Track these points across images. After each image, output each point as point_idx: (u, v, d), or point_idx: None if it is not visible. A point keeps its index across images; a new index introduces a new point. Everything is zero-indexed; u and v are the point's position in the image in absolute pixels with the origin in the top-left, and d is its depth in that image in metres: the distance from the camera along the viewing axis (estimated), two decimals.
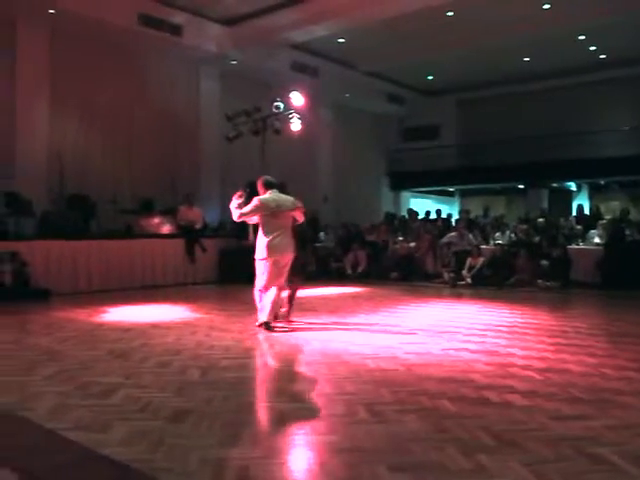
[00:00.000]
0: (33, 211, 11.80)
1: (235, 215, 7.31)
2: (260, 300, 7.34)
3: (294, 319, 7.78)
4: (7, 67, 12.87)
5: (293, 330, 7.21)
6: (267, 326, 7.08)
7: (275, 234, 7.13)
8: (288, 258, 7.24)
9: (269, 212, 7.16)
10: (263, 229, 7.23)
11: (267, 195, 7.26)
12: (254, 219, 7.40)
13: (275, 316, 7.36)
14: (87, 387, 4.53)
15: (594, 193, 21.50)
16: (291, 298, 7.88)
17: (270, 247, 7.10)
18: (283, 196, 7.36)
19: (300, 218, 7.37)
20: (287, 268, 7.26)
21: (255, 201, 7.20)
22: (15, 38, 12.93)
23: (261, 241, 7.20)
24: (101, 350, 5.95)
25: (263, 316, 7.17)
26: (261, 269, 7.26)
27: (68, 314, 8.55)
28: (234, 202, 7.31)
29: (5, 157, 12.65)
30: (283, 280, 7.30)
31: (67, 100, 13.89)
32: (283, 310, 7.72)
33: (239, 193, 7.36)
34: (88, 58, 14.12)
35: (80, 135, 14.18)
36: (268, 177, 7.53)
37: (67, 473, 3.03)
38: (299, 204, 7.32)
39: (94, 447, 3.27)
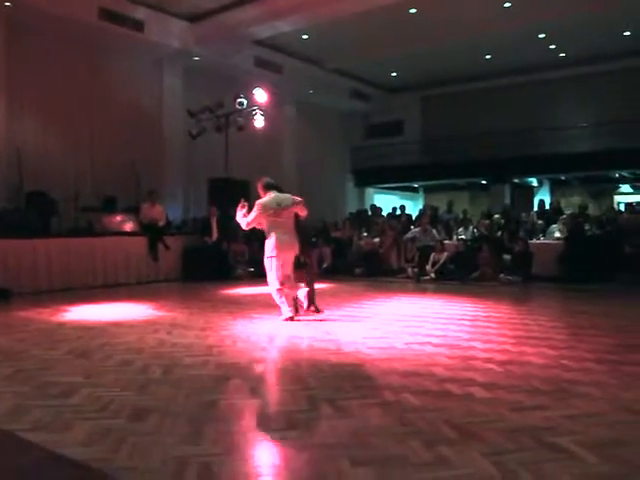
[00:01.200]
0: None
1: (243, 224, 7.70)
2: (280, 297, 7.64)
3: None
4: None
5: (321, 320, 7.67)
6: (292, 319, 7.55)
7: (280, 232, 7.47)
8: (292, 254, 7.62)
9: (272, 212, 7.44)
10: (269, 229, 7.55)
11: (266, 197, 7.58)
12: (263, 222, 7.61)
13: (296, 309, 7.78)
14: (47, 387, 4.45)
15: (555, 188, 21.91)
16: (309, 293, 8.09)
17: (279, 245, 7.45)
18: (282, 195, 7.66)
19: (302, 212, 7.65)
20: (288, 264, 7.60)
21: (256, 206, 7.53)
22: None
23: (269, 240, 7.53)
24: (61, 349, 5.85)
25: (287, 311, 7.60)
26: (269, 266, 7.58)
27: (28, 313, 8.40)
28: (239, 214, 7.68)
29: None
30: (290, 275, 7.66)
31: (25, 96, 13.64)
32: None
33: (241, 204, 7.69)
34: (47, 53, 13.87)
35: (39, 132, 13.93)
36: (267, 179, 7.81)
37: (27, 475, 2.97)
38: (297, 200, 7.61)
39: (54, 448, 3.22)
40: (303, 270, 8.00)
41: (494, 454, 3.06)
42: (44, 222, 12.05)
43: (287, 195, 7.68)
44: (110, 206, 13.72)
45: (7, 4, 12.39)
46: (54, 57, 14.02)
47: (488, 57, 18.35)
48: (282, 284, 7.58)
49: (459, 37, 16.20)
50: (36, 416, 3.75)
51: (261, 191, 7.68)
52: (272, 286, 7.64)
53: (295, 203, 7.54)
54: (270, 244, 7.50)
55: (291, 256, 7.62)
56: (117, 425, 3.57)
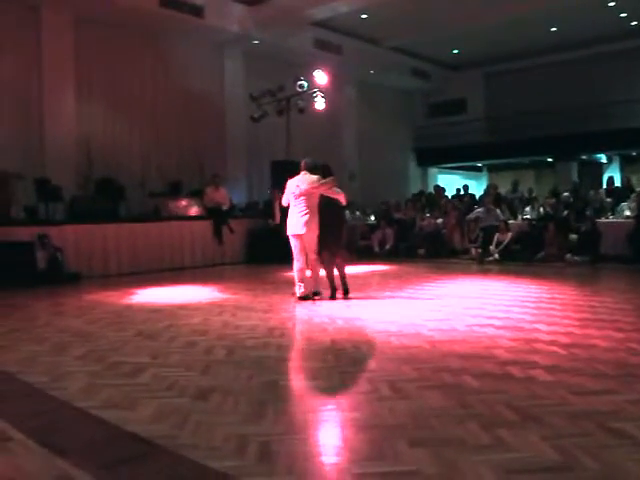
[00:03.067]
0: (62, 196, 12.00)
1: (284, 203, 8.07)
2: (299, 275, 7.92)
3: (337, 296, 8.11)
4: (33, 54, 13.01)
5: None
6: (303, 298, 7.78)
7: (293, 212, 7.76)
8: (300, 236, 7.75)
9: (290, 193, 7.80)
10: (288, 209, 7.92)
11: (294, 178, 7.87)
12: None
13: (315, 292, 7.99)
14: (116, 367, 4.64)
15: (626, 165, 21.09)
16: (340, 276, 8.12)
17: (288, 225, 7.83)
18: (306, 176, 7.73)
19: (335, 196, 7.72)
20: (307, 245, 7.77)
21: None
22: (39, 24, 13.04)
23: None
24: (130, 331, 6.07)
25: (299, 290, 7.86)
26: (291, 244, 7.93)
27: (98, 296, 8.73)
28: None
29: (34, 144, 12.85)
30: (306, 257, 7.83)
31: (93, 85, 14.02)
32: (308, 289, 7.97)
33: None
34: (112, 42, 14.20)
35: (107, 120, 14.31)
36: (305, 160, 8.02)
37: (97, 450, 3.12)
38: (314, 182, 7.66)
39: (123, 425, 3.37)
40: (327, 253, 7.96)
41: (555, 438, 3.03)
42: (113, 208, 12.45)
43: (313, 177, 7.73)
44: (175, 191, 14.03)
45: None
46: (118, 45, 14.35)
47: (554, 29, 17.72)
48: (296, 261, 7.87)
49: (523, 10, 15.66)
50: (107, 394, 3.94)
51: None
52: (295, 263, 7.91)
53: (312, 185, 7.65)
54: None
55: (298, 238, 7.77)
56: (182, 404, 3.71)
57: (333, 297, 8.00)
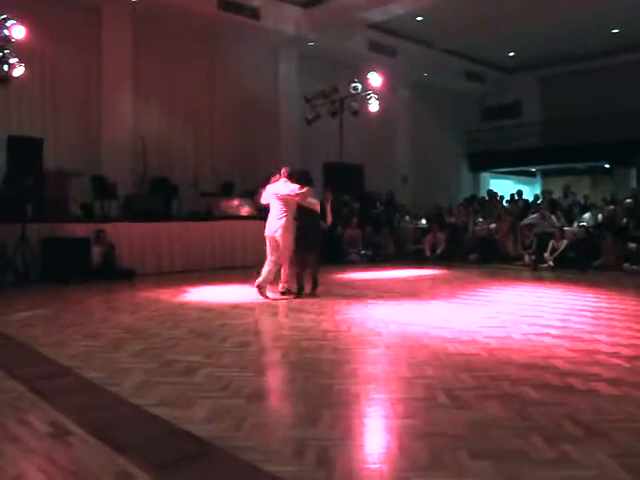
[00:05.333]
0: (117, 194, 12.22)
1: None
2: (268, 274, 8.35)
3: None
4: (93, 54, 13.34)
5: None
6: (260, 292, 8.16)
7: (272, 215, 8.30)
8: (274, 237, 8.22)
9: (272, 195, 8.33)
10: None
11: (274, 185, 8.45)
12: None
13: (288, 290, 8.49)
14: (171, 365, 4.67)
15: None
16: (313, 274, 8.73)
17: (267, 226, 8.32)
18: (287, 184, 8.32)
19: (292, 200, 8.24)
20: (282, 247, 8.20)
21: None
22: (100, 26, 13.38)
23: None
24: (183, 329, 6.11)
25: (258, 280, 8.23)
26: None
27: (151, 294, 8.84)
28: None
29: (91, 143, 13.14)
30: (278, 257, 8.27)
31: (150, 86, 14.28)
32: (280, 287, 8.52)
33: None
34: (169, 44, 14.44)
35: (162, 120, 14.55)
36: (287, 168, 8.61)
37: (153, 448, 3.13)
38: (294, 192, 8.21)
39: (178, 423, 3.37)
40: (300, 255, 8.50)
41: (623, 456, 2.90)
42: (166, 207, 12.61)
43: (292, 186, 8.25)
44: (228, 191, 14.14)
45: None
46: (176, 47, 14.57)
47: (615, 31, 17.24)
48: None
49: (582, 10, 15.27)
50: (161, 392, 3.95)
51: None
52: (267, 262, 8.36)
53: (289, 194, 8.22)
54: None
55: (273, 239, 8.23)
56: (237, 405, 3.69)
57: (299, 295, 8.45)
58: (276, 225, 8.19)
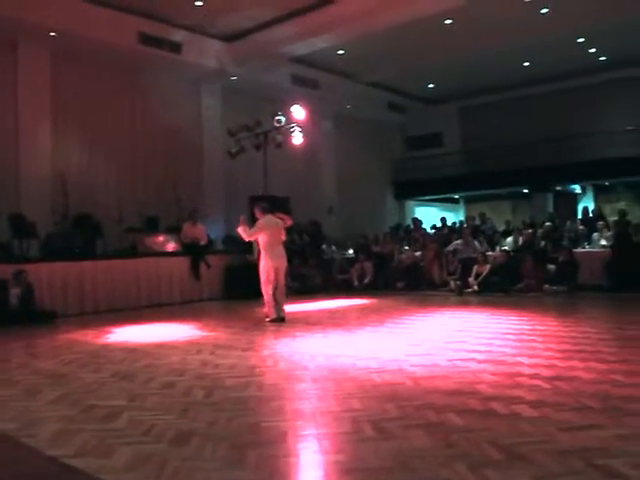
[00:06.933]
0: (37, 233, 11.81)
1: (244, 236, 9.50)
2: (271, 301, 9.36)
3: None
4: (9, 90, 12.96)
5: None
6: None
7: (275, 245, 9.28)
8: (284, 264, 9.43)
9: (269, 231, 9.21)
10: (266, 243, 9.27)
11: (265, 218, 9.32)
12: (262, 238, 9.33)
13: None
14: (91, 410, 4.49)
15: (599, 195, 21.36)
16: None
17: (274, 256, 9.21)
18: (275, 218, 9.40)
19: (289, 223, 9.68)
20: (283, 273, 9.45)
21: (258, 225, 9.32)
22: (17, 61, 13.02)
23: (265, 253, 9.27)
24: (106, 372, 5.91)
25: (272, 312, 9.38)
26: (264, 274, 9.34)
27: (74, 336, 8.54)
28: (240, 228, 9.36)
29: (9, 179, 12.71)
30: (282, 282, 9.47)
31: (69, 121, 13.97)
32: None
33: (241, 219, 9.42)
34: (89, 78, 14.21)
35: (84, 155, 14.24)
36: (264, 204, 9.61)
37: None
38: (284, 222, 9.44)
39: (97, 473, 3.23)
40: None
41: (543, 477, 2.96)
42: (90, 244, 12.26)
43: (278, 220, 9.33)
44: (152, 226, 13.91)
45: (52, 34, 12.73)
46: (96, 81, 14.35)
47: (526, 64, 18.09)
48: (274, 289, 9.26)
49: (496, 45, 16.02)
50: (80, 441, 3.78)
51: (259, 214, 9.39)
52: (266, 291, 9.26)
53: (285, 225, 9.37)
54: (267, 255, 9.16)
55: (283, 266, 9.33)
56: (159, 450, 3.57)
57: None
58: (281, 254, 9.22)
